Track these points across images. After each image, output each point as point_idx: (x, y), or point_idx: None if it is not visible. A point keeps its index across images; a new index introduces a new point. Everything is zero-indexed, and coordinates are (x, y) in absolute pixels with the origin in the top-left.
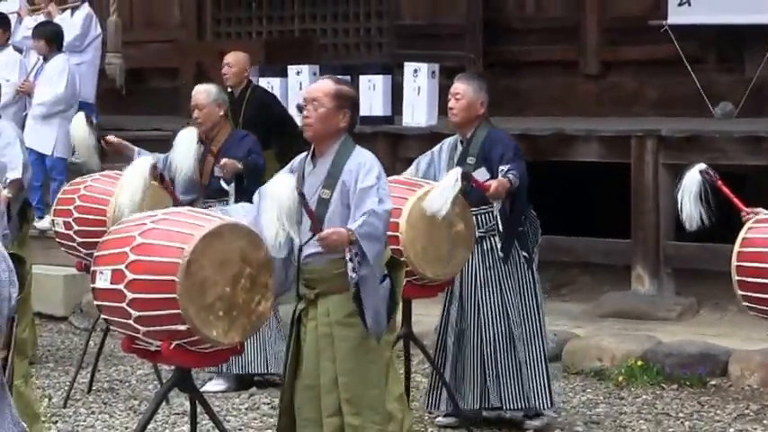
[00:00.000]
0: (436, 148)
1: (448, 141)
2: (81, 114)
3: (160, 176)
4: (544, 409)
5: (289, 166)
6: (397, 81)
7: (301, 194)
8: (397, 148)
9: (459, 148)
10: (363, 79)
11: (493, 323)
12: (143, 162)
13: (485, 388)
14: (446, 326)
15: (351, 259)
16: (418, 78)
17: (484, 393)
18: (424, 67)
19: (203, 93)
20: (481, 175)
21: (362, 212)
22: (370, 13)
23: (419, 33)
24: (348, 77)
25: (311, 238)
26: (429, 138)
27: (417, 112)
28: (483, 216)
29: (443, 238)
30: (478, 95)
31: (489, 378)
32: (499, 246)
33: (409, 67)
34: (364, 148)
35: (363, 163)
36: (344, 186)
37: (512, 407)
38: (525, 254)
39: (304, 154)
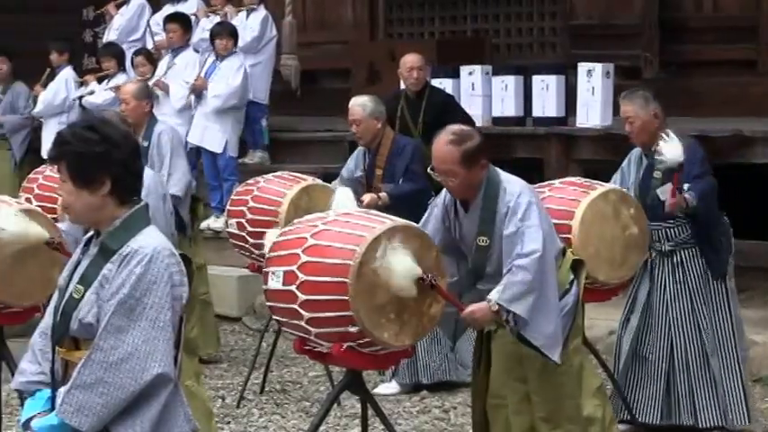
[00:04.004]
0: (625, 163)
1: (634, 154)
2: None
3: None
4: (743, 424)
5: (439, 200)
6: (571, 81)
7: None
8: (570, 149)
9: (645, 161)
10: (536, 79)
11: (685, 339)
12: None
13: (670, 404)
14: (624, 334)
15: (507, 321)
16: (593, 79)
17: (669, 410)
18: (598, 68)
19: (359, 107)
20: (667, 190)
21: (507, 267)
22: (544, 12)
23: (594, 33)
24: (521, 78)
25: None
26: (603, 139)
27: (592, 113)
28: (673, 230)
29: (616, 240)
30: (648, 110)
31: (682, 395)
32: (695, 261)
33: (583, 67)
34: (538, 148)
35: (510, 203)
36: (500, 232)
37: (707, 424)
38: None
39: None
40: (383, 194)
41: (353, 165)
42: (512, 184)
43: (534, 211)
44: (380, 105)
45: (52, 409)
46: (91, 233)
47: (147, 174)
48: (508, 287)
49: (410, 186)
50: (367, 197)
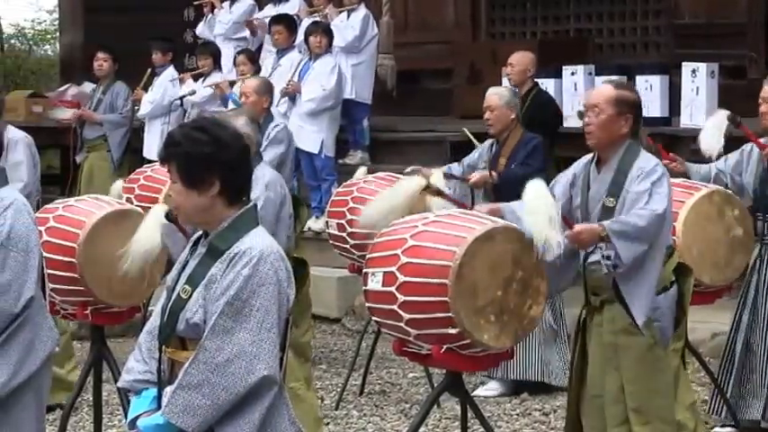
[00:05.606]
0: (747, 147)
1: (754, 150)
2: None
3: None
4: None
5: (572, 168)
6: (675, 81)
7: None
8: (674, 149)
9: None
10: (640, 79)
11: None
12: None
13: None
14: (736, 332)
15: (605, 257)
16: (697, 78)
17: None
18: (703, 67)
19: (496, 95)
20: None
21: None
22: (648, 11)
23: (698, 32)
24: (624, 78)
25: (595, 248)
26: None
27: (696, 113)
28: None
29: (720, 242)
30: None
31: None
32: None
33: (687, 66)
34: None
35: (644, 168)
36: (627, 194)
37: None
38: None
39: (587, 158)
40: (494, 173)
41: (477, 155)
42: (648, 157)
43: (666, 184)
44: (515, 98)
45: (158, 408)
46: (199, 233)
47: (267, 173)
48: (623, 223)
49: (522, 170)
50: (476, 174)
